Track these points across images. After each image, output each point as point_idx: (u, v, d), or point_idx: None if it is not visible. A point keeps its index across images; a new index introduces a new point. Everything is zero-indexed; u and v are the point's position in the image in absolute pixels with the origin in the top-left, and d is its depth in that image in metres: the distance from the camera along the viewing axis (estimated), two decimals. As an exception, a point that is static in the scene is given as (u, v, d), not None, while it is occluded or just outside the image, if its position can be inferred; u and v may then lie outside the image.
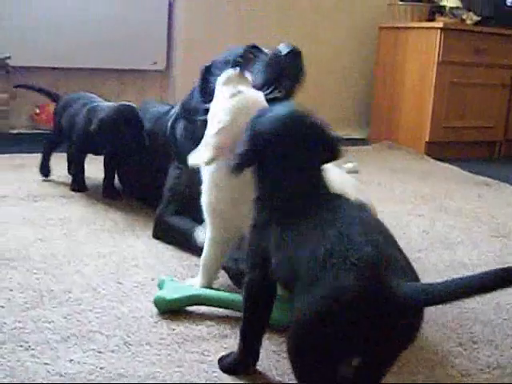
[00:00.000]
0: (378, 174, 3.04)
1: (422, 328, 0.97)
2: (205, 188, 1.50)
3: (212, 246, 1.52)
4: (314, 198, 1.08)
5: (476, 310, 1.57)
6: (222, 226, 1.50)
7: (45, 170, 2.52)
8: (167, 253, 1.80)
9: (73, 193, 2.35)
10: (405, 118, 3.69)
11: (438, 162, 3.39)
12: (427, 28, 3.54)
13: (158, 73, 3.73)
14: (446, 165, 3.35)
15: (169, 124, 2.02)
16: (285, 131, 1.11)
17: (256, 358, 1.21)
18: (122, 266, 1.69)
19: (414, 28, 3.62)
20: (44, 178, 2.50)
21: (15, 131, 3.46)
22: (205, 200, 1.50)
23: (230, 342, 1.32)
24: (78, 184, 2.38)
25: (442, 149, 3.57)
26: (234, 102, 1.37)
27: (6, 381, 1.13)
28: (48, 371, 1.17)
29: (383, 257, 0.94)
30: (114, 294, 1.52)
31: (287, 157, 1.10)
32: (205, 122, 1.48)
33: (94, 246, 1.83)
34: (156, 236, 1.91)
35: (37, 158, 2.86)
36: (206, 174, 1.48)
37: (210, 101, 1.49)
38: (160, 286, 1.49)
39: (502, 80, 3.66)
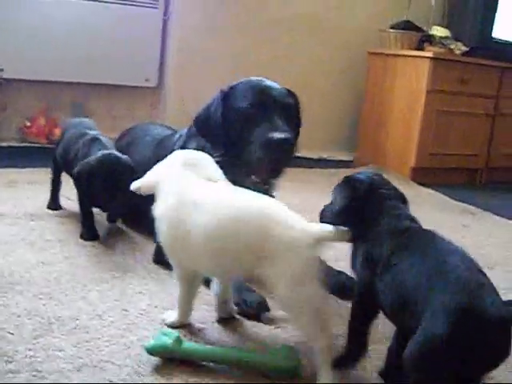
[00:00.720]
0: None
1: None
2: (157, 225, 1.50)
3: (180, 282, 1.54)
4: (413, 232, 1.31)
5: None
6: (177, 264, 1.52)
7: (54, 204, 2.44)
8: (169, 280, 1.83)
9: (69, 212, 2.38)
10: (391, 143, 3.78)
11: (423, 188, 3.48)
12: (417, 56, 3.63)
13: (149, 90, 3.76)
14: (431, 191, 3.43)
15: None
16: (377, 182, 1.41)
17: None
18: (126, 292, 1.72)
19: (403, 56, 3.71)
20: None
21: (5, 144, 3.45)
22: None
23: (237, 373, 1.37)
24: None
25: (426, 174, 3.66)
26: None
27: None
28: (64, 402, 1.20)
29: (478, 279, 1.16)
30: (121, 321, 1.55)
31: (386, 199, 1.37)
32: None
33: (95, 269, 1.85)
34: (156, 261, 1.94)
35: (29, 173, 2.89)
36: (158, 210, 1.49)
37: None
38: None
39: (486, 109, 3.77)
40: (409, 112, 3.65)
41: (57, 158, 2.37)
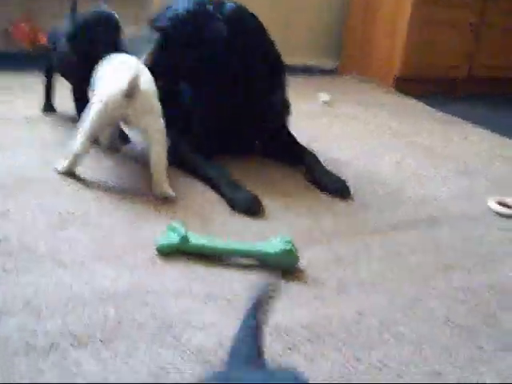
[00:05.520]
0: (350, 106, 3.19)
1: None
2: None
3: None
4: None
5: (447, 240, 1.78)
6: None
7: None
8: (174, 175, 1.93)
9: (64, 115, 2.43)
10: (376, 52, 3.82)
11: (406, 98, 3.57)
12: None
13: None
14: (414, 101, 3.53)
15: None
16: None
17: None
18: (132, 188, 1.83)
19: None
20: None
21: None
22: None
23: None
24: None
25: (410, 84, 3.73)
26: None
27: (50, 297, 1.27)
28: (90, 288, 1.32)
29: None
30: (131, 218, 1.66)
31: None
32: None
33: (102, 172, 1.94)
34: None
35: (21, 77, 2.89)
36: None
37: None
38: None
39: (471, 20, 3.81)
40: (394, 21, 3.68)
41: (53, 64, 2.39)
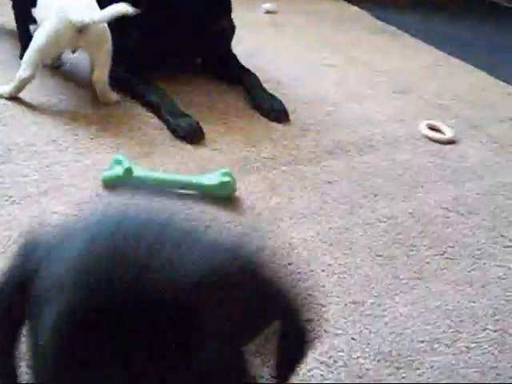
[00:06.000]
0: (295, 16, 3.19)
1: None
2: None
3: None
4: None
5: (377, 166, 1.91)
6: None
7: None
8: (114, 108, 1.96)
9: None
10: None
11: (351, 6, 3.57)
12: None
13: None
14: (357, 9, 3.53)
15: None
16: None
17: None
18: (76, 117, 1.85)
19: None
20: None
21: None
22: None
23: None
24: None
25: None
26: None
27: (6, 234, 1.35)
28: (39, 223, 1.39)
29: None
30: (74, 146, 1.71)
31: None
32: None
33: (43, 92, 1.94)
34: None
35: None
36: None
37: None
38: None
39: None
40: None
41: None
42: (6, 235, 1.34)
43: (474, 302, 1.40)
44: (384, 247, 1.53)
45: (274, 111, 2.04)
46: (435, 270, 1.48)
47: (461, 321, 1.34)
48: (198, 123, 1.87)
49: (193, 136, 1.84)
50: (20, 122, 1.76)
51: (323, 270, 1.41)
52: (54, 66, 2.09)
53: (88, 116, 1.86)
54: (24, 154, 1.63)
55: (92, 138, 1.75)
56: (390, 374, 1.18)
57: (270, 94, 2.12)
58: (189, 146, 1.81)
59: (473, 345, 1.29)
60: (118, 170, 1.56)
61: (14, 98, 1.84)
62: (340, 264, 1.44)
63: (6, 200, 1.45)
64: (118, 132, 1.80)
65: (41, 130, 1.74)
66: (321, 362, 1.16)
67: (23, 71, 1.79)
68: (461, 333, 1.31)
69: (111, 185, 1.56)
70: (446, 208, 1.74)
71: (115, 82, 1.97)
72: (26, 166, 1.58)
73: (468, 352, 1.27)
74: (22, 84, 1.81)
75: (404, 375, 1.18)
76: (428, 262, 1.50)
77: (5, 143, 1.65)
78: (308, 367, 1.15)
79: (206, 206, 1.55)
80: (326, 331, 1.24)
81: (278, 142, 1.92)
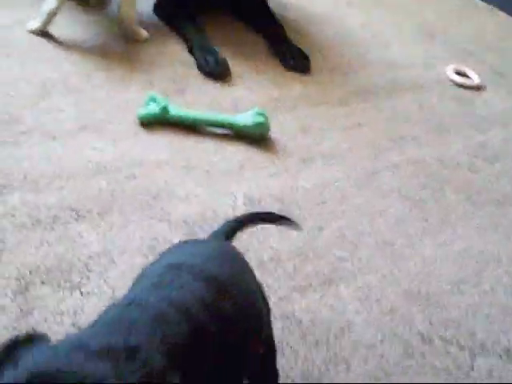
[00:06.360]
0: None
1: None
2: None
3: None
4: None
5: (404, 110, 1.93)
6: None
7: None
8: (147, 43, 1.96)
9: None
10: None
11: None
12: None
13: None
14: None
15: None
16: None
17: None
18: (106, 54, 1.86)
19: None
20: None
21: None
22: None
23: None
24: None
25: None
26: None
27: (45, 170, 1.39)
28: (79, 159, 1.43)
29: None
30: (109, 82, 1.73)
31: None
32: None
33: (73, 29, 1.94)
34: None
35: None
36: None
37: None
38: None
39: None
40: None
41: None
42: (49, 170, 1.38)
43: (498, 247, 1.45)
44: (412, 190, 1.57)
45: (296, 63, 1.99)
46: (461, 215, 1.53)
47: (485, 263, 1.40)
48: (225, 60, 1.88)
49: (219, 72, 1.85)
50: (53, 59, 1.77)
51: (355, 211, 1.45)
52: (100, 4, 2.08)
53: (119, 53, 1.86)
54: (59, 91, 1.65)
55: (124, 75, 1.77)
56: (418, 311, 1.24)
57: (293, 46, 2.07)
58: (221, 85, 1.83)
59: (497, 286, 1.34)
60: (154, 108, 1.59)
61: (44, 33, 1.84)
62: (371, 205, 1.48)
63: (47, 136, 1.48)
64: (149, 69, 1.81)
65: (73, 66, 1.76)
66: (355, 298, 1.22)
67: (49, 4, 1.79)
68: (485, 275, 1.37)
69: (147, 122, 1.58)
70: (472, 154, 1.77)
71: (159, 10, 2.07)
72: (63, 102, 1.61)
73: (492, 293, 1.33)
74: (49, 17, 1.82)
75: (432, 313, 1.24)
76: (455, 207, 1.55)
77: (40, 80, 1.67)
78: (343, 302, 1.21)
79: (240, 146, 1.59)
80: (359, 269, 1.30)
81: (308, 83, 1.94)
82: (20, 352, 0.59)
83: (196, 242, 0.99)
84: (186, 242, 0.95)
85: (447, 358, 1.16)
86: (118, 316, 0.66)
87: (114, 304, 0.71)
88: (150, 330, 0.63)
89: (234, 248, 0.92)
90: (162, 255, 0.86)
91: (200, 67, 1.87)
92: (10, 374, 0.58)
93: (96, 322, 0.67)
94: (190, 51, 1.94)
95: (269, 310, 0.91)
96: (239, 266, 0.86)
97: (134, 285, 0.81)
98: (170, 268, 0.76)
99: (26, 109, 1.55)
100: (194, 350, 0.65)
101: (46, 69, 1.72)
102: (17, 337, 0.62)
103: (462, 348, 1.18)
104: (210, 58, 1.87)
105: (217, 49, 1.92)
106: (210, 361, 0.67)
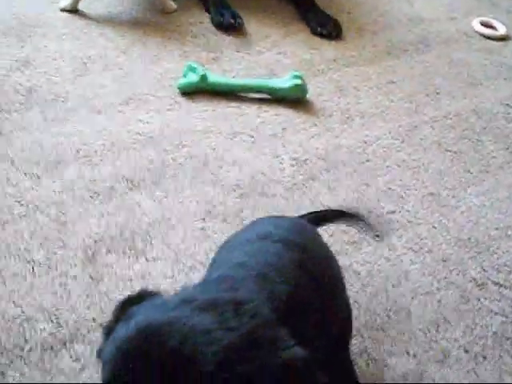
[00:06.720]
0: None
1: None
2: None
3: None
4: None
5: (434, 64, 1.94)
6: None
7: None
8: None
9: None
10: None
11: None
12: None
13: None
14: None
15: None
16: None
17: None
18: (138, 27, 1.89)
19: None
20: None
21: None
22: None
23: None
24: None
25: None
26: None
27: (95, 144, 1.43)
28: (127, 131, 1.47)
29: None
30: (144, 55, 1.76)
31: None
32: None
33: (102, 5, 1.97)
34: None
35: None
36: None
37: None
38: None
39: None
40: None
41: None
42: (100, 144, 1.42)
43: (541, 192, 1.48)
44: (452, 143, 1.59)
45: (326, 29, 1.97)
46: (501, 163, 1.55)
47: (530, 209, 1.43)
48: (238, 15, 1.92)
49: (234, 25, 1.89)
50: (88, 35, 1.80)
51: (399, 166, 1.48)
52: None
53: (150, 25, 1.89)
54: (98, 66, 1.68)
55: (159, 47, 1.80)
56: (470, 258, 1.27)
57: (322, 12, 2.06)
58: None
59: (544, 230, 1.37)
60: (194, 78, 1.61)
61: (75, 11, 1.87)
62: (413, 159, 1.51)
63: (93, 111, 1.52)
64: (183, 40, 1.84)
65: (108, 41, 1.78)
66: (408, 248, 1.26)
67: None
68: (531, 219, 1.40)
69: (188, 91, 1.61)
70: (507, 104, 1.78)
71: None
72: (103, 77, 1.64)
73: (540, 236, 1.36)
74: None
75: (483, 259, 1.27)
76: (494, 156, 1.57)
77: (79, 56, 1.70)
78: (397, 253, 1.25)
79: (280, 109, 1.62)
80: (408, 221, 1.33)
81: (338, 44, 1.95)
82: (133, 309, 0.64)
83: (279, 217, 1.04)
84: (269, 216, 1.01)
85: (502, 301, 1.19)
86: (224, 275, 0.70)
87: (212, 265, 0.75)
88: (256, 287, 0.67)
89: (314, 227, 0.98)
90: (248, 227, 0.92)
91: (216, 22, 1.92)
92: (122, 327, 0.63)
93: (202, 281, 0.71)
94: (207, 10, 1.97)
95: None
96: (321, 240, 0.93)
97: (220, 253, 0.86)
98: (259, 238, 0.81)
99: (68, 86, 1.59)
100: (294, 310, 0.69)
101: (82, 46, 1.75)
102: (129, 295, 0.66)
103: (515, 290, 1.22)
104: (226, 12, 1.92)
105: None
106: (307, 321, 0.71)
